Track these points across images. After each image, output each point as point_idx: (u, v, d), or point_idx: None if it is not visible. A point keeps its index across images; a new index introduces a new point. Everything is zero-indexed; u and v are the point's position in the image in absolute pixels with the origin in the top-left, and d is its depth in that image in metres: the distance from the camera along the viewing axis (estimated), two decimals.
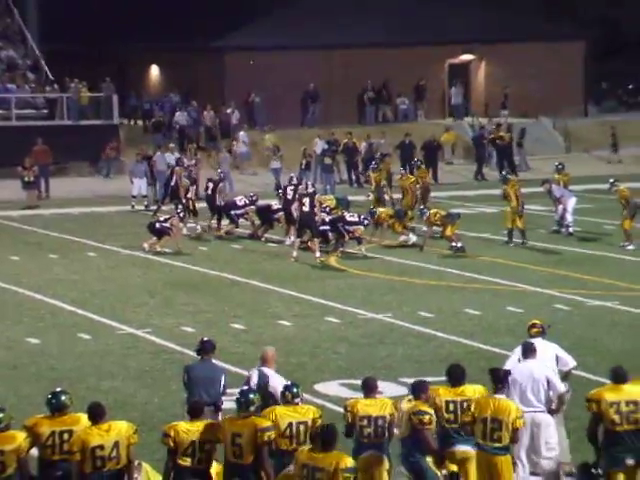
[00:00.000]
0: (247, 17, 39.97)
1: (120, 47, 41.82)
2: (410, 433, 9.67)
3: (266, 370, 10.63)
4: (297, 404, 9.66)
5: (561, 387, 10.59)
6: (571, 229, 24.29)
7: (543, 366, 10.64)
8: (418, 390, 9.86)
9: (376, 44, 39.87)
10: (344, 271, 20.97)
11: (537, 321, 11.50)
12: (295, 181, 23.72)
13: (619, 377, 9.75)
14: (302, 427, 9.58)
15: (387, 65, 39.60)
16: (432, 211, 22.84)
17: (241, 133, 35.46)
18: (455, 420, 9.77)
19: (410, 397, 9.93)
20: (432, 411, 9.68)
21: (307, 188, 23.02)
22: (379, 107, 39.84)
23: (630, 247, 22.46)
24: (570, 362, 11.10)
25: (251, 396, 9.39)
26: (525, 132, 36.47)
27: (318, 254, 21.57)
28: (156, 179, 29.74)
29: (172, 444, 9.16)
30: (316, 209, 21.75)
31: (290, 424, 9.57)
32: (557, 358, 11.03)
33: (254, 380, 10.49)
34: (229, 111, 37.16)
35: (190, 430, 9.20)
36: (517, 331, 15.89)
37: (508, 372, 10.20)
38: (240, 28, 39.76)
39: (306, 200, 21.78)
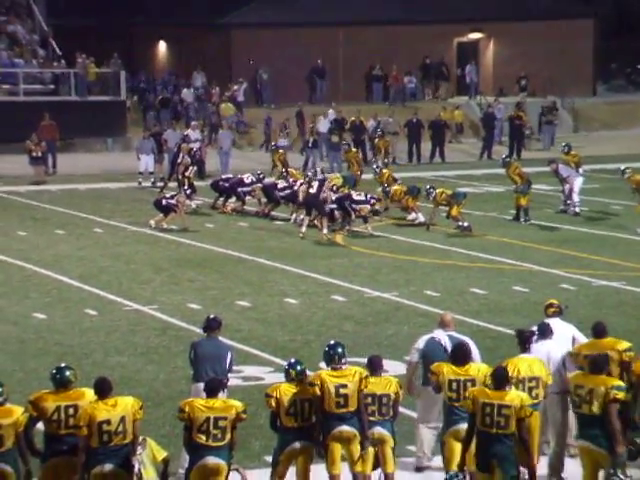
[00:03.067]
0: None
1: (128, 23, 41.76)
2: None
3: (454, 334, 10.64)
4: (302, 381, 9.69)
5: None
6: (577, 209, 24.26)
7: (560, 347, 10.67)
8: (376, 365, 9.86)
9: (384, 21, 39.74)
10: (350, 249, 20.99)
11: (554, 301, 11.49)
12: (321, 175, 23.38)
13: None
14: (307, 404, 9.62)
15: (394, 43, 39.48)
16: (438, 190, 22.82)
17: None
18: (458, 398, 9.80)
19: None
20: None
21: (317, 174, 23.15)
22: (386, 85, 39.78)
23: None
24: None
25: (340, 350, 9.61)
26: (555, 107, 36.32)
27: (325, 231, 21.59)
28: (164, 156, 29.76)
29: (187, 420, 9.19)
30: (324, 193, 21.78)
31: (294, 401, 9.61)
32: (574, 339, 11.04)
33: (447, 343, 10.44)
34: (236, 87, 37.09)
35: (206, 407, 9.22)
36: (523, 310, 15.93)
37: (533, 332, 10.34)
38: (247, 4, 39.65)
39: (315, 184, 21.91)
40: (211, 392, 9.34)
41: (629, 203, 25.21)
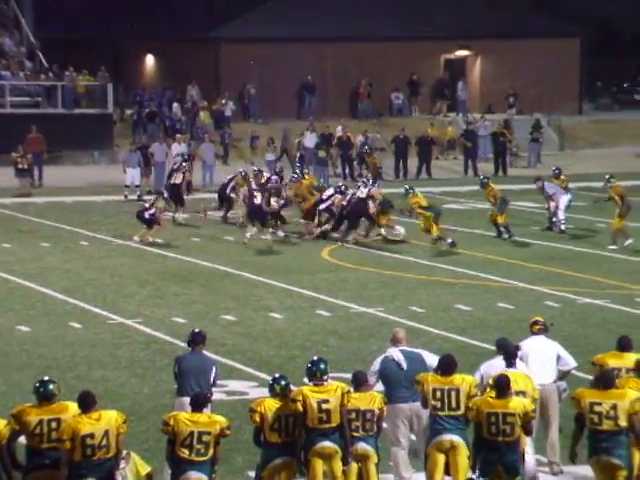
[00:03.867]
0: (244, 8, 39.93)
1: (116, 36, 41.78)
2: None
3: (407, 348, 10.65)
4: (286, 396, 9.68)
5: (573, 361, 10.89)
6: (563, 226, 24.34)
7: (553, 342, 10.90)
8: (360, 381, 9.87)
9: (371, 38, 39.87)
10: (336, 265, 21.00)
11: (540, 318, 11.53)
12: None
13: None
14: (291, 419, 9.62)
15: (382, 59, 39.61)
16: (413, 200, 22.76)
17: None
18: (442, 407, 9.82)
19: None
20: None
21: (272, 182, 23.80)
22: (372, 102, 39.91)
23: (613, 247, 22.47)
24: (571, 362, 11.16)
25: (322, 366, 9.63)
26: (540, 125, 36.48)
27: (268, 237, 22.23)
28: (150, 169, 29.77)
29: (171, 433, 9.17)
30: (272, 205, 22.41)
31: (279, 417, 9.60)
32: (558, 357, 11.09)
33: (401, 359, 10.43)
34: (223, 102, 37.12)
35: (190, 421, 9.19)
36: (507, 327, 15.95)
37: (519, 347, 10.46)
38: (236, 19, 39.74)
39: (259, 195, 22.54)
40: (197, 407, 9.32)
41: (614, 221, 25.31)
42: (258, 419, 9.61)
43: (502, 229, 23.52)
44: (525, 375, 10.22)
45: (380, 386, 10.61)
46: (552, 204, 24.52)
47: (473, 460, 9.62)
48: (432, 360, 10.47)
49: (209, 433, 9.16)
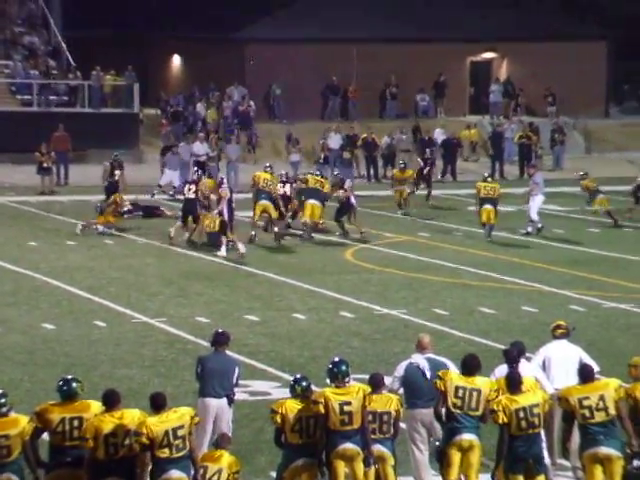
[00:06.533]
0: (268, 9, 39.97)
1: (143, 36, 41.91)
2: None
3: (433, 356, 10.63)
4: (307, 397, 9.68)
5: (596, 366, 10.86)
6: (529, 229, 23.76)
7: (576, 347, 11.00)
8: (377, 383, 9.87)
9: (397, 39, 39.80)
10: (360, 266, 20.98)
11: (562, 322, 11.50)
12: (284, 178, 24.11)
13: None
14: (312, 421, 9.61)
15: (407, 61, 39.55)
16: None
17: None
18: (462, 406, 9.82)
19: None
20: None
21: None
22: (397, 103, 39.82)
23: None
24: (594, 366, 11.11)
25: (343, 368, 9.64)
26: (562, 128, 36.36)
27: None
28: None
29: (147, 440, 9.06)
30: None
31: (300, 418, 9.59)
32: (580, 361, 11.06)
33: (425, 368, 10.41)
34: (251, 103, 37.07)
35: (161, 421, 9.11)
36: (531, 331, 15.89)
37: (521, 352, 10.51)
38: (262, 19, 39.78)
39: (192, 187, 22.58)
40: (160, 408, 9.22)
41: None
42: (279, 420, 9.61)
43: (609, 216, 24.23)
44: (531, 379, 10.22)
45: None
46: (534, 196, 24.06)
47: (496, 465, 9.60)
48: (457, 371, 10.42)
49: (182, 426, 9.14)
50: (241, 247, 21.04)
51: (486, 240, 23.33)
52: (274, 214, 22.86)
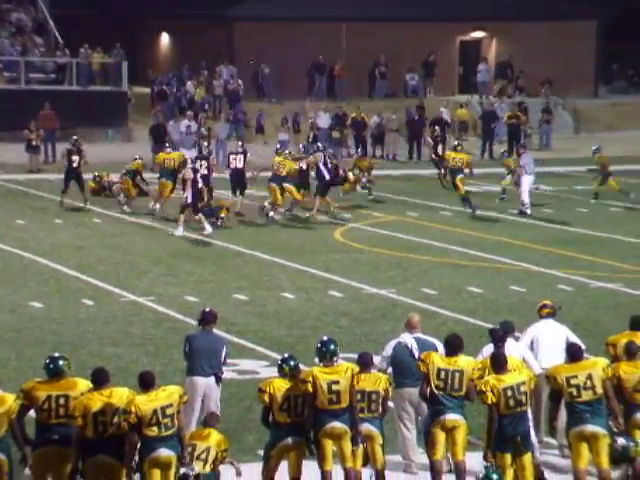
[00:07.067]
0: None
1: (131, 13, 41.71)
2: None
3: (422, 336, 10.65)
4: (295, 377, 9.70)
5: (582, 344, 10.88)
6: (528, 210, 23.54)
7: (562, 325, 11.03)
8: (366, 362, 9.89)
9: (386, 18, 39.68)
10: (349, 246, 21.00)
11: (548, 302, 11.54)
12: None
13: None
14: (300, 400, 9.63)
15: (397, 40, 39.44)
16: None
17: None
18: (445, 388, 9.85)
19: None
20: None
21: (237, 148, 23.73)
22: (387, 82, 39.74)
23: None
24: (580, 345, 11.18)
25: (332, 347, 9.66)
26: (549, 108, 36.30)
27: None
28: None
29: (135, 419, 9.06)
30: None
31: (288, 397, 9.62)
32: (567, 340, 11.10)
33: (414, 347, 10.45)
34: (231, 80, 36.93)
35: (149, 400, 9.11)
36: (519, 310, 15.93)
37: (506, 332, 10.54)
38: None
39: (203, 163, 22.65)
40: (148, 387, 9.22)
41: (629, 205, 25.28)
42: (267, 399, 9.63)
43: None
44: (515, 358, 10.24)
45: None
46: (521, 177, 23.97)
47: (487, 444, 9.64)
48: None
49: (171, 405, 9.15)
50: (207, 227, 20.97)
51: (472, 216, 23.37)
52: (276, 197, 22.58)
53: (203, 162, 23.00)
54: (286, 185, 22.67)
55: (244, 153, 23.27)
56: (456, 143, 25.42)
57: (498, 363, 9.74)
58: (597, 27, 42.95)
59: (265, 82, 38.66)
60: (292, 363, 9.74)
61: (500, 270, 19.02)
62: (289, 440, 9.63)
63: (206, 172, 22.70)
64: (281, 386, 9.65)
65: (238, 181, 23.07)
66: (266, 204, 22.93)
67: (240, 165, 23.03)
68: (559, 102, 39.51)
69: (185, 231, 21.71)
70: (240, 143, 24.43)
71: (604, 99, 42.98)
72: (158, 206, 23.22)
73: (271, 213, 22.70)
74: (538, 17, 41.58)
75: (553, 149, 35.25)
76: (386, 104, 36.68)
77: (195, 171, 21.81)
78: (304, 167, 23.66)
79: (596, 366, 9.90)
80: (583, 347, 10.69)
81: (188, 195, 21.41)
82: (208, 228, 20.96)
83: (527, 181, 23.98)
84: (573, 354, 10.01)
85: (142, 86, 39.06)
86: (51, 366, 9.35)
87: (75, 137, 25.93)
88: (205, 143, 27.76)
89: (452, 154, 24.40)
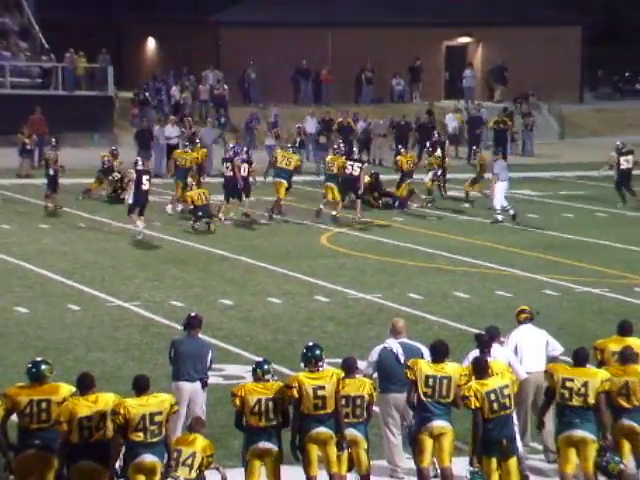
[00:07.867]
0: None
1: (117, 18, 41.66)
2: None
3: (407, 341, 10.65)
4: (267, 381, 9.70)
5: (560, 347, 11.02)
6: (500, 217, 23.50)
7: (540, 330, 11.05)
8: (350, 367, 9.91)
9: (372, 23, 39.76)
10: (335, 251, 21.00)
11: (525, 307, 11.59)
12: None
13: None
14: (271, 404, 9.62)
15: (382, 45, 39.51)
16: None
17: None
18: (432, 394, 9.86)
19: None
20: None
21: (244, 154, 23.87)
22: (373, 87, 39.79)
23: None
24: (559, 347, 11.31)
25: (317, 352, 9.66)
26: (532, 116, 36.35)
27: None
28: (151, 152, 29.71)
29: (122, 420, 9.03)
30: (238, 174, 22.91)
31: (259, 400, 9.60)
32: (547, 343, 11.20)
33: (399, 352, 10.45)
34: (217, 85, 36.90)
35: (140, 405, 9.10)
36: (505, 315, 15.90)
37: (492, 337, 10.55)
38: (237, 3, 39.61)
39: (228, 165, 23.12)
40: (142, 391, 9.20)
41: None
42: (239, 403, 9.66)
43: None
44: (500, 362, 10.26)
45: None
46: (494, 184, 23.98)
47: (473, 449, 9.65)
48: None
49: (160, 413, 9.13)
50: (140, 225, 21.03)
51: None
52: (334, 196, 23.32)
53: (228, 164, 23.25)
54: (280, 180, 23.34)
55: (249, 162, 23.59)
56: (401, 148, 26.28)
57: (480, 369, 9.75)
58: (582, 33, 43.12)
59: (251, 87, 38.65)
60: (265, 367, 9.75)
61: (486, 275, 19.04)
62: (261, 444, 9.62)
63: (231, 174, 23.11)
64: (252, 390, 9.66)
65: (244, 188, 23.23)
66: (321, 206, 23.34)
67: (245, 173, 23.32)
68: (544, 107, 39.59)
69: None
70: (245, 149, 24.52)
71: (589, 105, 43.14)
72: (179, 207, 23.78)
73: (333, 212, 23.35)
74: (524, 23, 41.72)
75: (535, 155, 35.30)
76: (372, 109, 36.70)
77: (139, 172, 21.45)
78: (356, 174, 23.73)
79: (595, 377, 9.85)
80: (561, 349, 10.87)
81: (129, 196, 21.44)
82: (140, 226, 21.02)
83: (501, 187, 23.90)
84: (577, 359, 9.96)
85: (128, 91, 39.02)
86: (33, 370, 9.32)
87: (53, 139, 25.97)
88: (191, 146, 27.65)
89: (405, 158, 24.89)
